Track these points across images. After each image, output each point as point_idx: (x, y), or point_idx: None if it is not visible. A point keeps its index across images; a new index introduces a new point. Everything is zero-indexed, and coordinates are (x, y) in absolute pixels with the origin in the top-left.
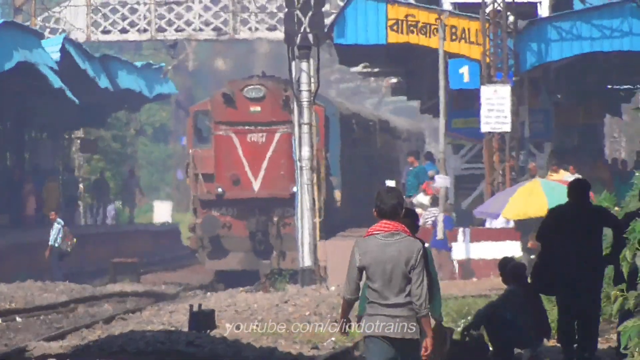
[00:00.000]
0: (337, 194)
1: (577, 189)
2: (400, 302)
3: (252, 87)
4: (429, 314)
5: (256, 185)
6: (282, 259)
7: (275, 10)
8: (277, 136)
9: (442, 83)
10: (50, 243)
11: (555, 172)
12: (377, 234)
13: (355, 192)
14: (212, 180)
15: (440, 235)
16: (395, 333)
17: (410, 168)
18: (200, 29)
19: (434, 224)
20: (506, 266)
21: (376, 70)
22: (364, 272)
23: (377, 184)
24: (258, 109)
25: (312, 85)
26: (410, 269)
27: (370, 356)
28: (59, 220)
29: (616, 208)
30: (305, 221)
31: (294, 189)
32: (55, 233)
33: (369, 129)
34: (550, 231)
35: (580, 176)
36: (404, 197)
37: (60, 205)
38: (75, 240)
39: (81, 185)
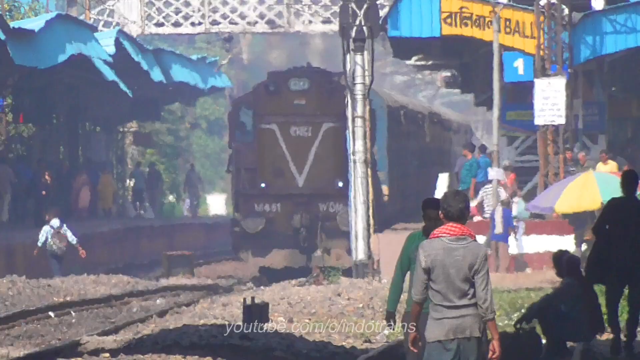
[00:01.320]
0: (385, 189)
1: (626, 181)
2: (464, 304)
3: (296, 79)
4: (494, 317)
5: (300, 180)
6: (327, 255)
7: (329, 3)
8: (322, 129)
9: (496, 76)
10: (38, 244)
11: (604, 163)
12: (444, 236)
13: (403, 186)
14: (254, 174)
15: (499, 229)
16: (461, 333)
17: (465, 161)
18: (255, 22)
19: (492, 216)
20: (561, 259)
21: (430, 63)
22: (429, 273)
23: (427, 177)
24: (302, 101)
25: (367, 78)
26: (473, 273)
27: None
28: (54, 221)
29: None
30: (359, 214)
31: (340, 184)
32: (43, 235)
33: (418, 121)
34: (606, 223)
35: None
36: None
37: (115, 198)
38: (64, 242)
39: (128, 180)
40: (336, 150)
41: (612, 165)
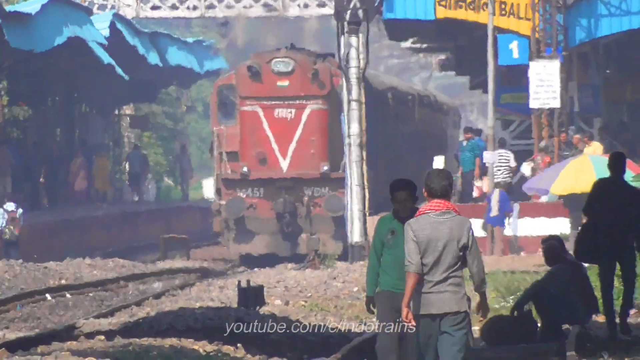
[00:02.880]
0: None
1: (613, 162)
2: (446, 277)
3: (279, 59)
4: (485, 289)
5: (284, 164)
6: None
7: None
8: (306, 112)
9: (491, 59)
10: None
11: (588, 145)
12: (430, 212)
13: (391, 170)
14: (237, 159)
15: (495, 212)
16: (447, 307)
17: (465, 143)
18: (250, 6)
19: (489, 200)
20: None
21: (425, 45)
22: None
23: (417, 160)
24: (286, 83)
25: (361, 61)
26: (462, 247)
27: (419, 334)
28: (8, 205)
29: None
30: (354, 197)
31: (325, 168)
32: None
33: (407, 103)
34: (594, 203)
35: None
36: (462, 172)
37: (110, 181)
38: (17, 228)
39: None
40: (321, 133)
41: (595, 146)
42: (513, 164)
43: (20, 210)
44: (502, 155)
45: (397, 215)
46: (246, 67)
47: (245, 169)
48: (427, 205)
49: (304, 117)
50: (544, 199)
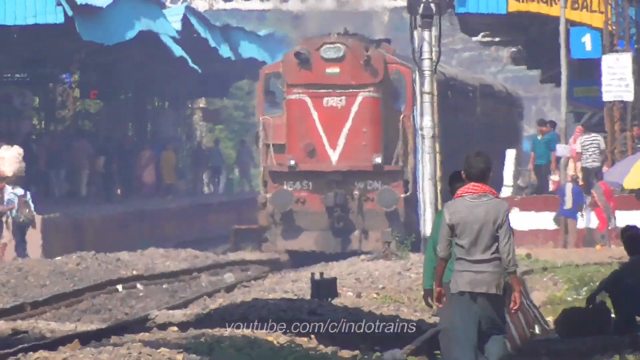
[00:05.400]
0: None
1: None
2: (486, 259)
3: (329, 45)
4: (516, 269)
5: (334, 156)
6: (365, 238)
7: None
8: (358, 100)
9: (563, 52)
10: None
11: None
12: (466, 195)
13: (451, 164)
14: (283, 150)
15: (569, 204)
16: (480, 287)
17: (539, 137)
18: None
19: (562, 193)
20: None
21: (497, 39)
22: (453, 230)
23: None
24: (336, 70)
25: (434, 54)
26: (497, 227)
27: (454, 312)
28: (17, 189)
29: None
30: (426, 190)
31: (378, 160)
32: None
33: (468, 94)
34: None
35: None
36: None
37: (178, 173)
38: (30, 211)
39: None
40: (374, 123)
41: None
42: (603, 146)
43: (29, 194)
44: (592, 139)
45: None
46: (294, 53)
47: (292, 161)
48: (464, 188)
49: (355, 106)
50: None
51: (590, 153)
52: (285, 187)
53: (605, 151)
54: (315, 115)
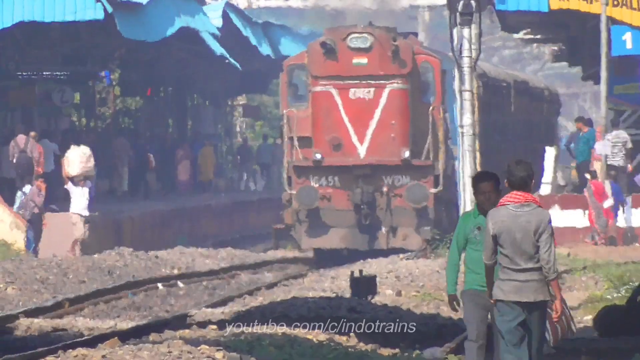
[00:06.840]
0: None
1: None
2: (530, 267)
3: (356, 35)
4: (557, 277)
5: (361, 150)
6: (393, 236)
7: None
8: (386, 92)
9: (604, 49)
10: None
11: None
12: (509, 204)
13: (486, 162)
14: (309, 144)
15: (609, 202)
16: (527, 297)
17: (580, 134)
18: None
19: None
20: None
21: (538, 36)
22: (496, 239)
23: (514, 151)
24: (364, 60)
25: (474, 52)
26: (538, 237)
27: (501, 320)
28: (26, 187)
29: None
30: (467, 188)
31: (407, 154)
32: (18, 203)
33: (502, 90)
34: None
35: None
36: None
37: (216, 170)
38: (36, 209)
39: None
40: (402, 115)
41: None
42: (629, 145)
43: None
44: (617, 137)
45: (482, 209)
46: (320, 43)
47: (318, 155)
48: (507, 197)
49: (383, 98)
50: None
51: (616, 151)
52: (310, 182)
53: (630, 149)
54: (341, 107)
